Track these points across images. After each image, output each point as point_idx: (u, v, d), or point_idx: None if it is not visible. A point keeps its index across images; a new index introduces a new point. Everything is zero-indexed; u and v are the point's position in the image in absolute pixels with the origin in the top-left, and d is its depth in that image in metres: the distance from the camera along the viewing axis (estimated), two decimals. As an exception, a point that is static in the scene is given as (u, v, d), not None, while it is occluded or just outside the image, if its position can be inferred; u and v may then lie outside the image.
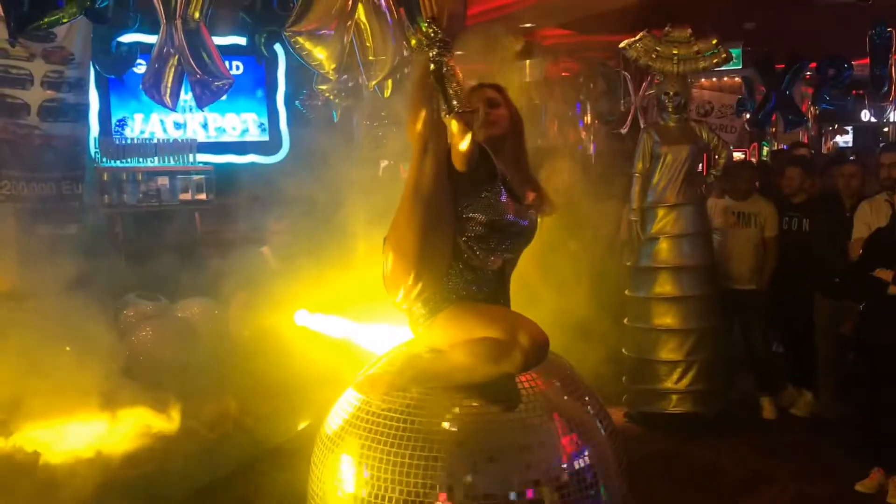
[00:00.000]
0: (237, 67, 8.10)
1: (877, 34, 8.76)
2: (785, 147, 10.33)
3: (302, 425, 4.77)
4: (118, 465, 4.50)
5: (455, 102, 2.36)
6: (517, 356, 2.29)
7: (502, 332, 2.32)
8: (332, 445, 2.49)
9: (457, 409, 2.36)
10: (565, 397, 2.52)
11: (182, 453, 4.61)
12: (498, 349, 2.30)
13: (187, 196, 7.80)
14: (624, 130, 9.52)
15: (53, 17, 4.70)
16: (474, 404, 2.37)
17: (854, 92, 10.72)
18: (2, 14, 5.06)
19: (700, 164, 5.54)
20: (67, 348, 5.41)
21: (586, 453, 2.41)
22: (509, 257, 2.56)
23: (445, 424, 2.34)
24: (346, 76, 6.27)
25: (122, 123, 7.99)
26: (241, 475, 4.27)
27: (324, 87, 7.01)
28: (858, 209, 5.08)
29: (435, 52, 2.38)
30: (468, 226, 2.49)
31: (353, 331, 4.96)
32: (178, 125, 8.14)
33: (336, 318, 5.20)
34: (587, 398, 2.59)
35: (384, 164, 9.32)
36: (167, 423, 4.92)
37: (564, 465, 2.35)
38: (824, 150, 13.32)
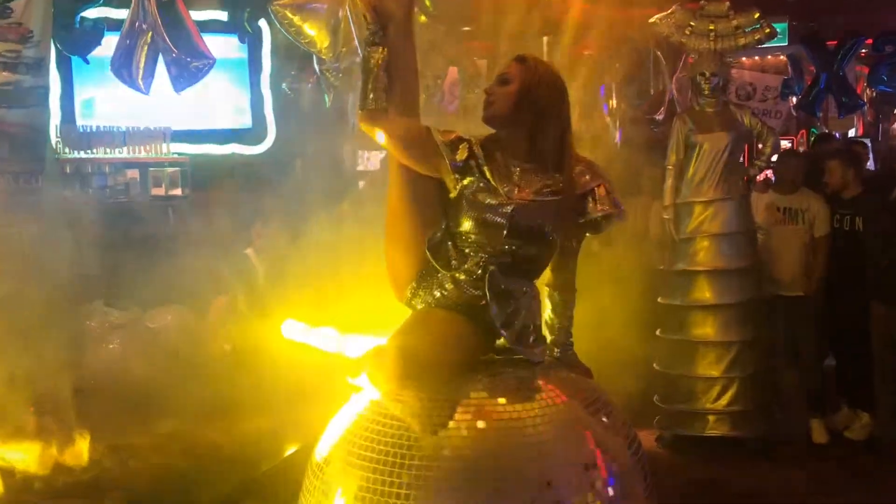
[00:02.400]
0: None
1: (941, 6, 8.74)
2: (836, 134, 10.32)
3: (289, 450, 4.77)
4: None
5: (369, 98, 2.46)
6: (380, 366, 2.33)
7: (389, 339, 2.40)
8: (321, 473, 2.49)
9: (464, 432, 2.37)
10: (588, 416, 2.52)
11: (158, 480, 4.63)
12: (378, 357, 2.35)
13: (160, 191, 7.81)
14: (659, 117, 9.52)
15: (10, -11, 4.71)
16: (482, 424, 2.37)
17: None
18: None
19: (742, 154, 5.52)
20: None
21: (610, 475, 2.43)
22: (489, 258, 2.50)
23: (452, 445, 2.35)
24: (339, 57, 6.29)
25: (88, 105, 8.01)
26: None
27: (325, 67, 7.01)
28: None
29: (364, 45, 2.52)
30: (456, 226, 2.54)
31: (346, 343, 4.95)
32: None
33: (328, 329, 5.19)
34: (611, 417, 2.59)
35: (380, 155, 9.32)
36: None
37: (586, 488, 2.37)
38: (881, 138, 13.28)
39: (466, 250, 2.52)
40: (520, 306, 2.51)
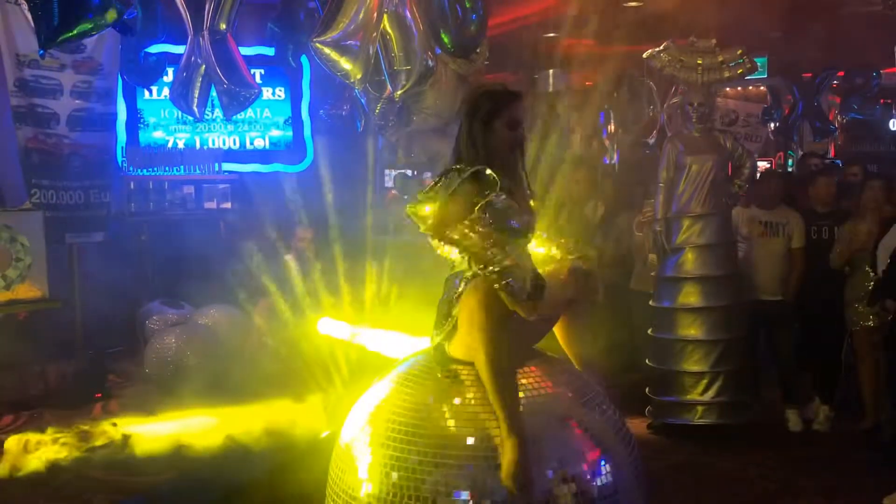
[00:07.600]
0: (261, 76, 8.17)
1: (906, 42, 8.66)
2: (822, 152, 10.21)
3: (324, 433, 4.78)
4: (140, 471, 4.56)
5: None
6: None
7: None
8: (350, 450, 2.51)
9: (475, 415, 2.38)
10: (579, 406, 2.51)
11: (203, 461, 4.65)
12: None
13: (212, 204, 7.87)
14: (651, 140, 9.49)
15: (83, 29, 4.77)
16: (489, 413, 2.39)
17: (882, 101, 10.58)
18: (33, 26, 5.16)
19: (725, 174, 5.47)
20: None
21: (602, 462, 2.41)
22: None
23: (459, 429, 2.36)
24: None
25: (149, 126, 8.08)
26: (261, 483, 4.27)
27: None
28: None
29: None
30: None
31: (375, 339, 4.97)
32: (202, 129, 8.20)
33: (358, 326, 5.21)
34: (603, 407, 2.57)
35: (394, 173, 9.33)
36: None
37: (581, 474, 2.35)
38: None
39: None
40: None
